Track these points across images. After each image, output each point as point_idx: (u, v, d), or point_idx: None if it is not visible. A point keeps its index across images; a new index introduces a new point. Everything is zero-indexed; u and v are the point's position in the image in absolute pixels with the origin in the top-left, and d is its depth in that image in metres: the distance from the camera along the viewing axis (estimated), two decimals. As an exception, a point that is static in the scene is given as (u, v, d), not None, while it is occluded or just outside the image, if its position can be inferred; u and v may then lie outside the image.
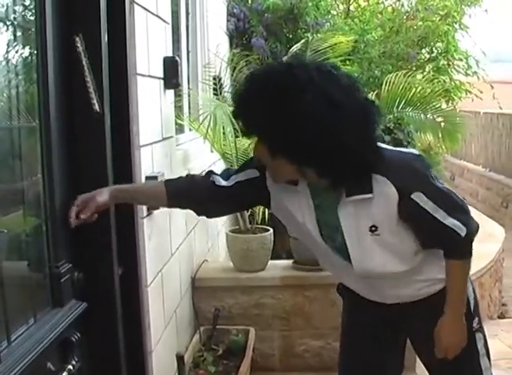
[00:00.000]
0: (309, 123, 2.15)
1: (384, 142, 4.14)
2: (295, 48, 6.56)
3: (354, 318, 2.96)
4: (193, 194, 2.60)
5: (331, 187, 2.37)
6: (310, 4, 7.59)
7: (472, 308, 2.77)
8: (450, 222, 2.47)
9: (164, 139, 3.60)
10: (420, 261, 2.58)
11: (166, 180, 2.73)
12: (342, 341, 3.08)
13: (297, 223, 2.53)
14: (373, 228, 2.42)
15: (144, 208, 3.13)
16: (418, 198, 2.40)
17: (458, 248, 2.58)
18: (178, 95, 4.48)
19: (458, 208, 2.53)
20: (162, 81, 3.63)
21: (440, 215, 2.45)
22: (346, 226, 2.45)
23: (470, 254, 2.61)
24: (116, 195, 2.46)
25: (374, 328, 2.83)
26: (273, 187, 2.52)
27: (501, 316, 7.33)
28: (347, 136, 2.19)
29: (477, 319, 2.79)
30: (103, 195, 2.38)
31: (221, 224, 5.82)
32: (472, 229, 2.54)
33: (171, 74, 3.69)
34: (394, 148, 2.58)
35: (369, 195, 2.36)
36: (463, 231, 2.49)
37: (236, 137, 4.53)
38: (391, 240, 2.47)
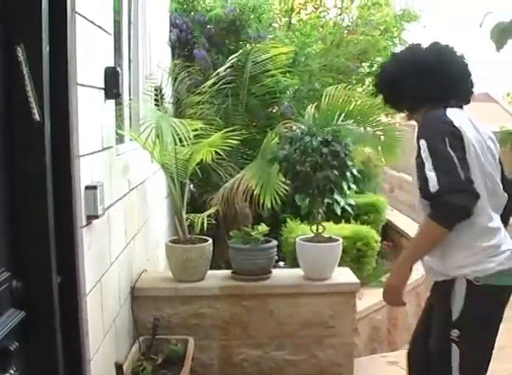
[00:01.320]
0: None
1: (322, 154, 4.30)
2: (234, 57, 6.62)
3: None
4: None
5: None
6: (252, 16, 7.65)
7: (454, 319, 2.93)
8: (430, 175, 2.78)
9: (104, 149, 3.61)
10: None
11: None
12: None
13: None
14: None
15: (84, 217, 3.14)
16: (422, 145, 2.87)
17: (431, 203, 2.83)
18: (119, 105, 4.49)
19: (446, 171, 2.76)
20: (103, 91, 3.64)
21: (427, 165, 2.80)
22: None
23: (437, 218, 2.79)
24: None
25: None
26: None
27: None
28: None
29: (458, 332, 2.91)
30: None
31: (161, 234, 5.82)
32: (444, 191, 2.73)
33: (112, 84, 3.70)
34: (452, 109, 3.04)
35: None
36: (434, 188, 2.74)
37: (178, 144, 4.56)
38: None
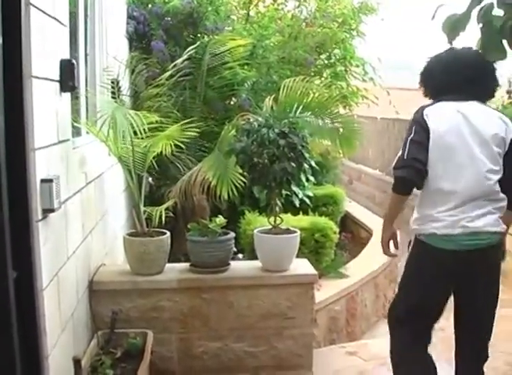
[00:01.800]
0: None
1: (279, 146, 4.32)
2: (191, 49, 6.60)
3: None
4: None
5: None
6: (209, 8, 7.64)
7: (410, 248, 3.82)
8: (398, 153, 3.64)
9: (60, 142, 3.58)
10: None
11: None
12: None
13: None
14: None
15: (39, 211, 3.11)
16: None
17: None
18: (75, 98, 4.45)
19: (400, 152, 3.62)
20: (58, 84, 3.60)
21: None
22: None
23: (392, 187, 3.70)
24: None
25: None
26: None
27: (396, 315, 7.56)
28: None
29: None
30: None
31: (119, 228, 5.79)
32: (393, 167, 3.65)
33: (67, 77, 3.67)
34: (442, 103, 3.71)
35: None
36: (393, 163, 3.66)
37: (133, 137, 4.54)
38: None
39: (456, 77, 3.66)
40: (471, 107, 3.64)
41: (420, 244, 3.67)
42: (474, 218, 3.50)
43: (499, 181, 3.56)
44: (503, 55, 2.55)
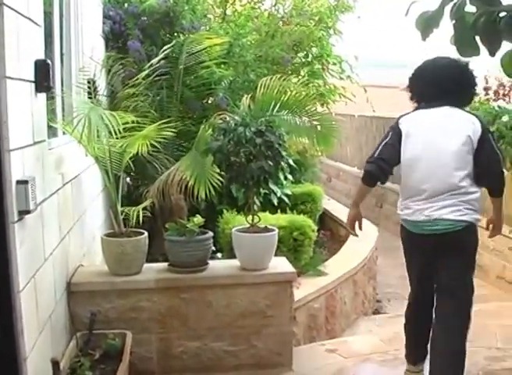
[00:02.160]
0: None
1: (255, 145, 4.34)
2: (167, 48, 6.58)
3: None
4: None
5: None
6: (186, 7, 7.61)
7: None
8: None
9: (35, 143, 3.56)
10: None
11: None
12: None
13: None
14: None
15: (15, 212, 3.10)
16: None
17: None
18: (51, 98, 4.42)
19: (376, 148, 4.29)
20: (34, 84, 3.58)
21: None
22: None
23: (361, 179, 4.33)
24: None
25: None
26: None
27: (375, 312, 7.61)
28: None
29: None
30: None
31: (97, 228, 5.77)
32: (366, 161, 4.29)
33: (42, 77, 3.65)
34: (419, 111, 4.39)
35: None
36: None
37: (108, 136, 4.52)
38: None
39: (433, 88, 4.28)
40: (443, 112, 4.23)
41: (402, 227, 4.38)
42: (438, 208, 4.09)
43: (475, 175, 4.12)
44: (476, 51, 2.56)
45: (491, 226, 4.48)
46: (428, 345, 4.28)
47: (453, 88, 4.24)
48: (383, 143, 4.27)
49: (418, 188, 4.16)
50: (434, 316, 4.29)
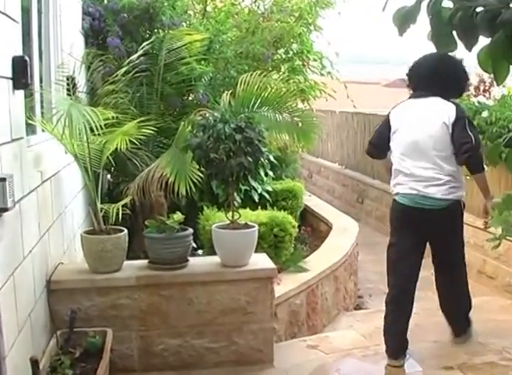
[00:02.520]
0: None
1: (235, 141, 4.34)
2: (147, 44, 6.55)
3: None
4: None
5: None
6: (166, 3, 7.57)
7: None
8: None
9: (13, 140, 3.54)
10: None
11: None
12: None
13: None
14: None
15: (-7, 211, 3.08)
16: None
17: None
18: (30, 95, 4.40)
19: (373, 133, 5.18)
20: (11, 81, 3.56)
21: None
22: None
23: None
24: None
25: None
26: None
27: (357, 308, 7.63)
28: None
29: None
30: None
31: (77, 226, 5.74)
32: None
33: (20, 74, 3.63)
34: (410, 99, 4.96)
35: None
36: None
37: (89, 133, 4.50)
38: None
39: (424, 80, 4.82)
40: (427, 101, 4.76)
41: (393, 201, 4.85)
42: (425, 187, 4.61)
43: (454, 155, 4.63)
44: (453, 46, 2.57)
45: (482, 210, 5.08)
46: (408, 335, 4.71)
47: (442, 81, 4.74)
48: (376, 130, 5.10)
49: (406, 171, 4.72)
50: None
